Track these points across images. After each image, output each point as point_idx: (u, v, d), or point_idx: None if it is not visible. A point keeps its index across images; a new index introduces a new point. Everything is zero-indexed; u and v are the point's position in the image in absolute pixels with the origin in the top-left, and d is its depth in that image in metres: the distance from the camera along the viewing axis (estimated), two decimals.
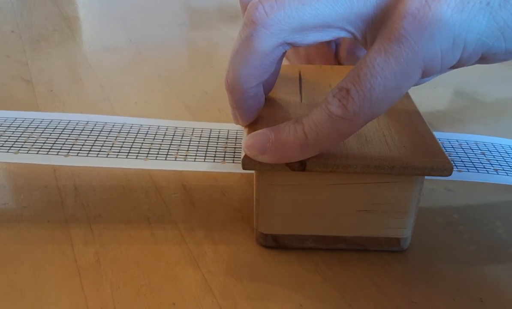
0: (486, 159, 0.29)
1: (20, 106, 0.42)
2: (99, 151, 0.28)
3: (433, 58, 0.20)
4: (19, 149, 0.27)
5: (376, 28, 0.21)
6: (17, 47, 0.56)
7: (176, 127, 0.31)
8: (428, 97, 0.46)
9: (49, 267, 0.25)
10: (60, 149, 0.28)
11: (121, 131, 0.30)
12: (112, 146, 0.28)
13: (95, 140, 0.29)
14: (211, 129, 0.31)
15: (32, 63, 0.52)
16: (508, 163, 0.29)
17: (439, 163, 0.22)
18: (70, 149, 0.28)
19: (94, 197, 0.30)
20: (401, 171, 0.23)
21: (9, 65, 0.51)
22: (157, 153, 0.28)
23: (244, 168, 0.23)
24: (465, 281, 0.25)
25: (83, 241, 0.26)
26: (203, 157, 0.28)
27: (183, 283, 0.24)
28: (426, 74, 0.20)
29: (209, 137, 0.30)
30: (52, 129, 0.30)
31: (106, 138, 0.29)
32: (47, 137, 0.29)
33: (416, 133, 0.25)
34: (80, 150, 0.28)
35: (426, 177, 0.24)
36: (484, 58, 0.21)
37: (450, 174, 0.22)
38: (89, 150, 0.28)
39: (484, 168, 0.29)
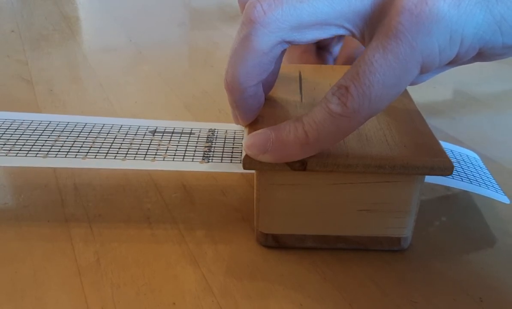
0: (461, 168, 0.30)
1: (20, 106, 0.42)
2: (97, 152, 0.28)
3: (431, 54, 0.20)
4: (18, 153, 0.27)
5: (373, 25, 0.21)
6: (17, 47, 0.56)
7: (174, 128, 0.31)
8: (428, 96, 0.46)
9: (49, 267, 0.25)
10: (58, 151, 0.28)
11: (119, 132, 0.30)
12: (110, 147, 0.28)
13: (93, 143, 0.28)
14: (208, 129, 0.30)
15: (32, 63, 0.52)
16: (480, 175, 0.30)
17: (440, 162, 0.22)
18: (68, 152, 0.27)
19: (94, 196, 0.30)
20: (402, 170, 0.23)
21: (9, 65, 0.51)
22: (155, 154, 0.28)
23: (245, 168, 0.23)
24: (465, 281, 0.25)
25: (83, 241, 0.26)
26: (200, 157, 0.27)
27: (183, 282, 0.24)
28: (425, 70, 0.20)
29: (207, 136, 0.30)
30: (51, 132, 0.29)
31: (104, 139, 0.29)
32: (46, 140, 0.28)
33: (417, 132, 0.25)
34: (78, 152, 0.27)
35: (426, 177, 0.24)
36: (482, 54, 0.21)
37: (450, 173, 0.22)
38: (87, 152, 0.27)
39: (468, 178, 0.29)
